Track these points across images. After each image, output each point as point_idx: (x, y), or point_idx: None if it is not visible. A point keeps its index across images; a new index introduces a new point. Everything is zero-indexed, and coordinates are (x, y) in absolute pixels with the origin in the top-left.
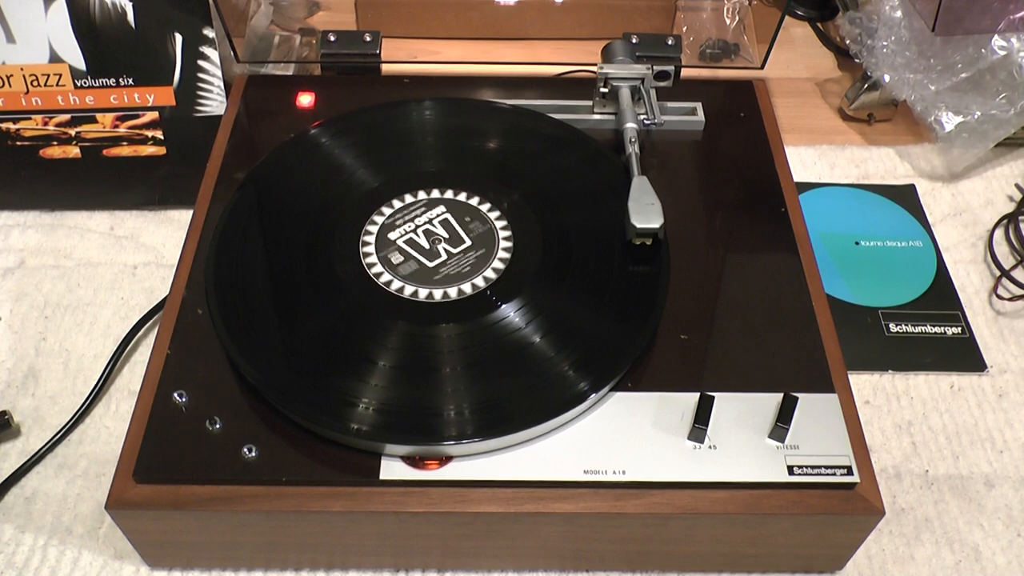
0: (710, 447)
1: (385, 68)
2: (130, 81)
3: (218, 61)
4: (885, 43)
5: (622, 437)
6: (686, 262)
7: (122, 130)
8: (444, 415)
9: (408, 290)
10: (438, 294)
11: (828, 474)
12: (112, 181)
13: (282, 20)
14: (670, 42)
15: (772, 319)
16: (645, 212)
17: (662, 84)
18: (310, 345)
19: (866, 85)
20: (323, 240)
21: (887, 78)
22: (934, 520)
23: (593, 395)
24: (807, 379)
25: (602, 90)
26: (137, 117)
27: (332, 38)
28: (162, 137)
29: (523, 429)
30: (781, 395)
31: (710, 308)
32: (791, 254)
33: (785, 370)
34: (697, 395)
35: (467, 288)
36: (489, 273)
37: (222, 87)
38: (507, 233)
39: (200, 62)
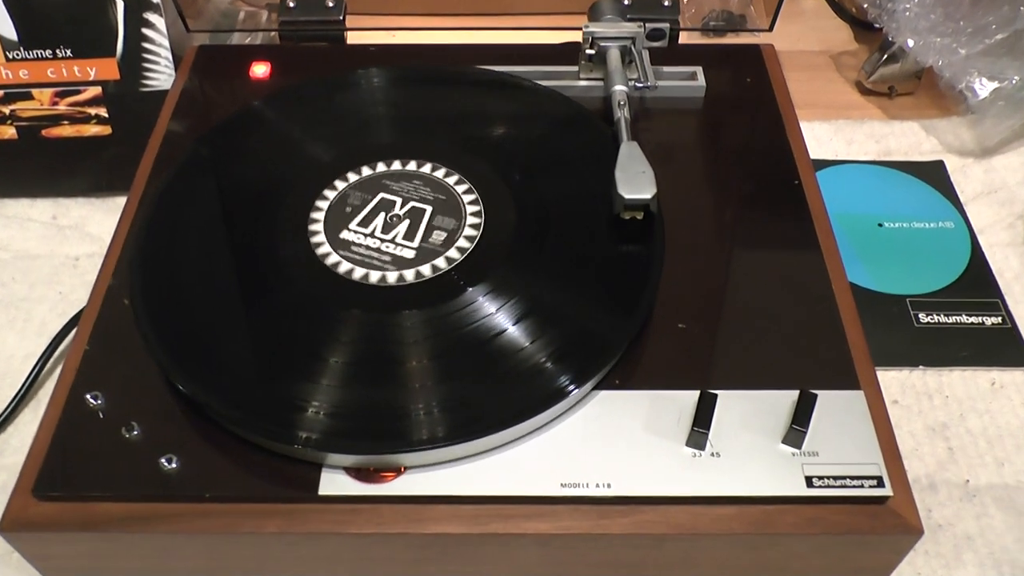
0: (712, 454)
1: (352, 38)
2: (68, 52)
3: (165, 30)
4: (907, 6)
5: (608, 443)
6: (684, 240)
7: (62, 108)
8: (395, 418)
9: (358, 273)
10: (392, 277)
11: (854, 486)
12: (54, 165)
13: None
14: (666, 2)
15: (785, 305)
16: (635, 181)
17: (656, 45)
18: (241, 337)
19: (885, 55)
20: (265, 220)
21: (911, 43)
22: (976, 538)
23: (574, 392)
24: (827, 374)
25: (588, 52)
26: (78, 93)
27: (291, 3)
28: (106, 115)
29: (490, 433)
30: (797, 392)
31: (712, 292)
32: (807, 231)
33: (801, 363)
34: (697, 393)
35: (426, 270)
36: (453, 253)
37: (171, 59)
38: (475, 208)
39: (145, 31)
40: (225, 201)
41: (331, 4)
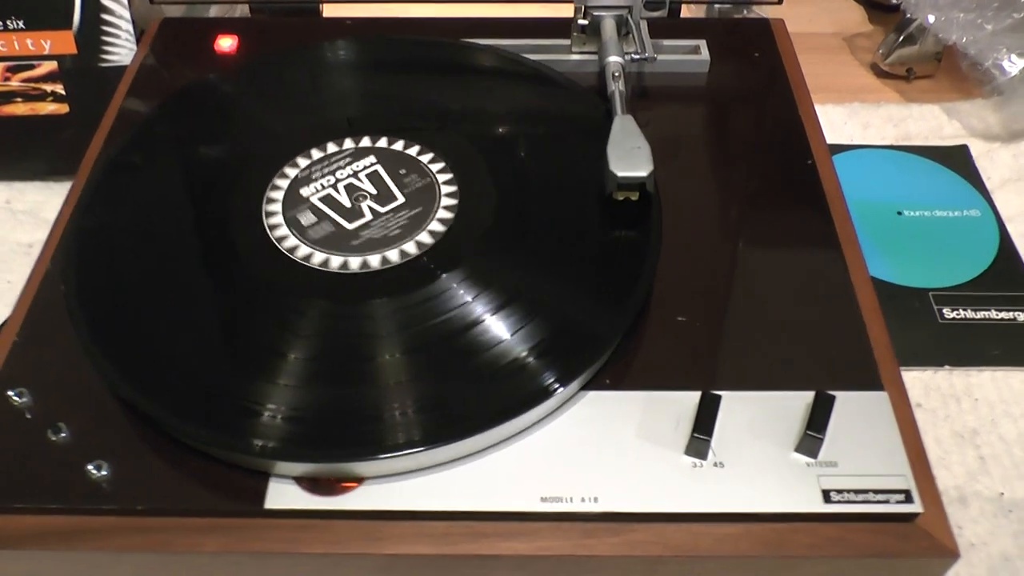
0: (715, 465)
1: (330, 11)
2: (20, 24)
3: (126, 1)
4: None
5: (596, 451)
6: (685, 224)
7: (15, 84)
8: (353, 421)
9: (317, 257)
10: (355, 263)
11: (878, 501)
12: (6, 146)
13: None
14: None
15: (798, 296)
16: (629, 158)
17: (655, 15)
18: (184, 329)
19: (902, 36)
20: (217, 202)
21: (931, 19)
22: (1016, 558)
23: (559, 393)
24: (846, 373)
25: (581, 22)
26: (32, 68)
27: None
28: (63, 92)
29: (462, 439)
30: (812, 394)
31: (716, 282)
32: (822, 215)
33: (816, 361)
34: (698, 394)
35: (394, 255)
36: (424, 237)
37: (132, 32)
38: (451, 189)
39: (105, 1)
40: (174, 183)
41: None
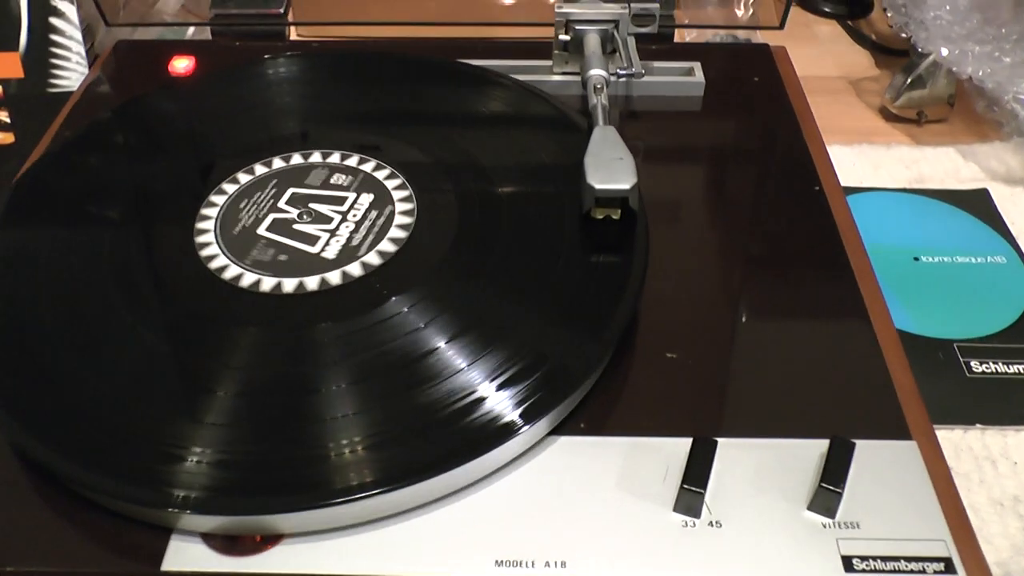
0: (711, 524)
1: (303, 34)
2: None
3: (78, 22)
4: (936, 13)
5: (566, 506)
6: (677, 251)
7: None
8: (271, 466)
9: (248, 279)
10: (290, 285)
11: (912, 571)
12: None
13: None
14: (658, 10)
15: (807, 332)
16: (609, 169)
17: (643, 30)
18: (70, 357)
19: (910, 79)
20: (133, 221)
21: (944, 51)
22: None
23: (521, 434)
24: (866, 419)
25: (563, 38)
26: None
27: None
28: (8, 120)
29: (403, 487)
30: (826, 442)
31: (712, 315)
32: (832, 244)
33: (831, 405)
34: (689, 441)
35: (334, 277)
36: (371, 257)
37: (84, 55)
38: (408, 207)
39: (54, 21)
40: (92, 204)
41: None
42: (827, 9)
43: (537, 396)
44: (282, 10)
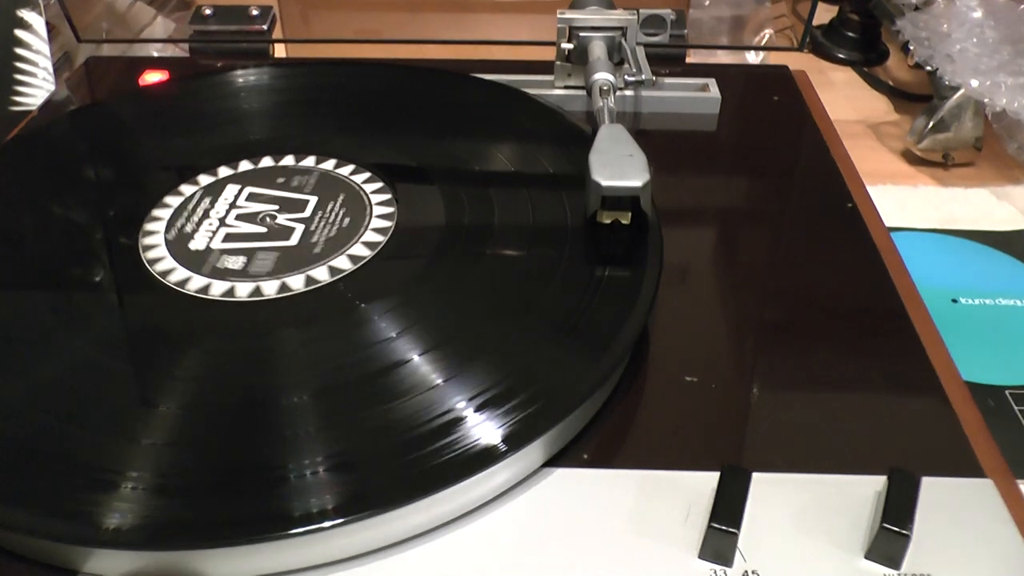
0: (747, 573)
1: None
2: None
3: (45, 35)
4: (962, 46)
5: (565, 551)
6: (693, 260)
7: None
8: (204, 497)
9: (197, 283)
10: (244, 290)
11: None
12: None
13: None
14: (671, 16)
15: (849, 354)
16: (618, 165)
17: (654, 40)
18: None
19: (931, 123)
20: (80, 226)
21: (975, 83)
22: None
23: (505, 458)
24: (927, 453)
25: (565, 46)
26: None
27: (207, 11)
28: None
29: (362, 519)
30: (882, 479)
31: (736, 334)
32: (871, 260)
33: (883, 437)
34: (715, 476)
35: (296, 282)
36: (341, 261)
37: (51, 71)
38: (387, 211)
39: (20, 34)
40: (35, 209)
41: (255, 12)
42: (841, 56)
43: (524, 419)
44: (265, 27)
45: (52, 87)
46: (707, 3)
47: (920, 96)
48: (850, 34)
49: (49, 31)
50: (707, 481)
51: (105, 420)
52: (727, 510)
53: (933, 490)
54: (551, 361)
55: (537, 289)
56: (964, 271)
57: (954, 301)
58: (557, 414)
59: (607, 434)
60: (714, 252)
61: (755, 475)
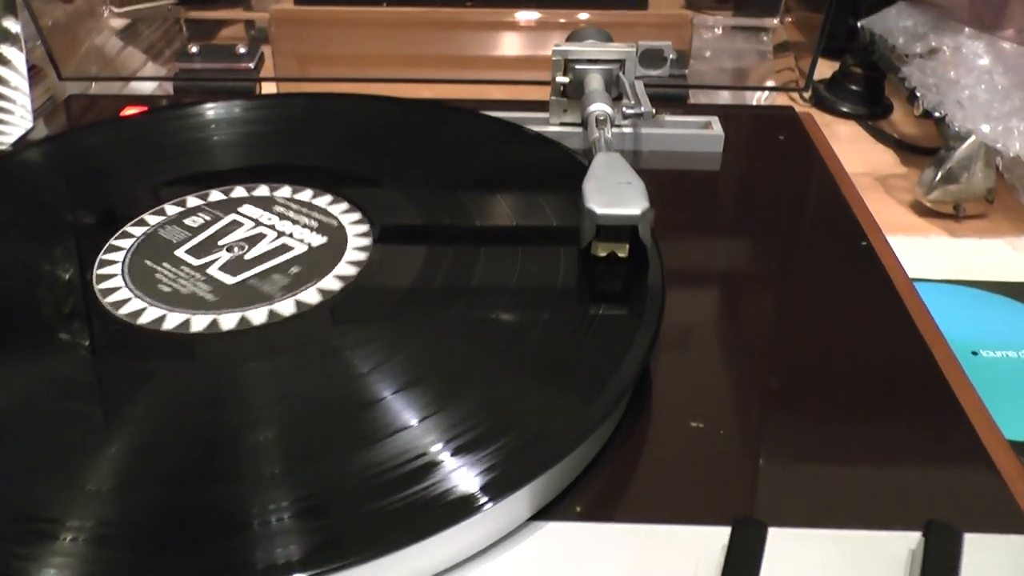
0: None
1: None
2: None
3: (24, 69)
4: (970, 93)
5: None
6: (698, 298)
7: None
8: (161, 547)
9: (151, 314)
10: (200, 323)
11: None
12: None
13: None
14: (670, 55)
15: (874, 400)
16: (615, 193)
17: (654, 73)
18: None
19: (939, 175)
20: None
21: (986, 129)
22: None
23: (485, 508)
24: (965, 507)
25: (561, 80)
26: None
27: (194, 49)
28: None
29: (324, 575)
30: (915, 535)
31: (745, 377)
32: (889, 298)
33: (913, 489)
34: (726, 530)
35: (257, 315)
36: (308, 295)
37: (29, 108)
38: (364, 243)
39: None
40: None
41: (243, 51)
42: (846, 109)
43: (507, 464)
44: (252, 65)
45: (29, 124)
46: (708, 54)
47: (927, 149)
48: (853, 87)
49: (35, 73)
50: (717, 537)
51: (42, 464)
52: (740, 569)
53: (975, 547)
54: (539, 402)
55: (526, 326)
56: (984, 323)
57: (974, 353)
58: (544, 460)
59: (604, 484)
60: (721, 291)
61: (771, 530)
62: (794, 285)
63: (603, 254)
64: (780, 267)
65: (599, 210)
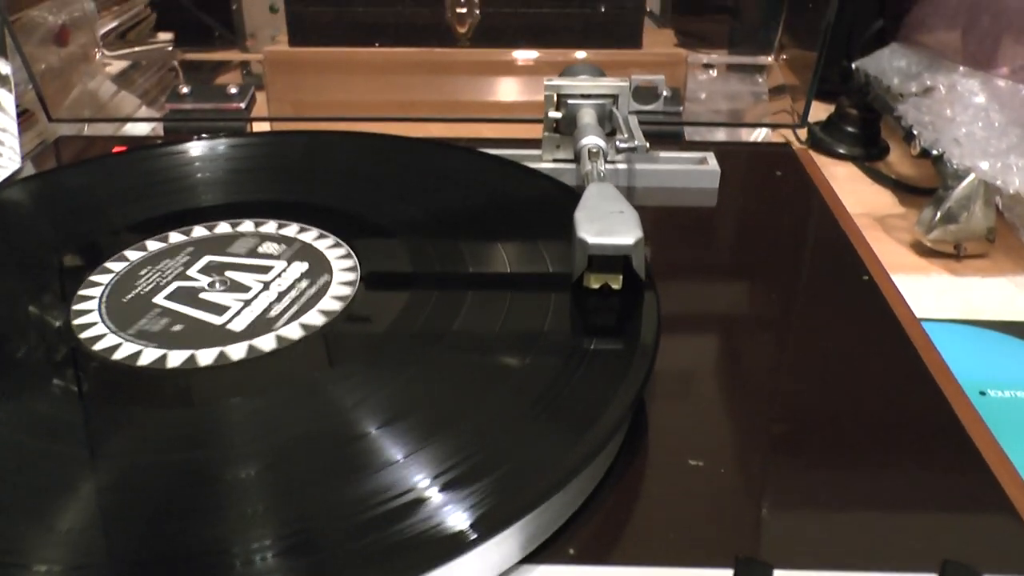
0: None
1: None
2: None
3: (13, 111)
4: (966, 130)
5: None
6: (695, 330)
7: None
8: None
9: (126, 350)
10: (176, 358)
11: None
12: None
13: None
14: (664, 93)
15: (884, 436)
16: (607, 222)
17: (647, 108)
18: None
19: (939, 212)
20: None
21: (984, 166)
22: None
23: (475, 547)
24: (982, 548)
25: (553, 115)
26: None
27: (184, 89)
28: None
29: None
30: None
31: (747, 413)
32: (892, 332)
33: (925, 529)
34: (729, 573)
35: (237, 351)
36: (290, 331)
37: (17, 149)
38: (350, 277)
39: None
40: None
41: (234, 91)
42: (842, 151)
43: (496, 502)
44: (244, 105)
45: (17, 165)
46: (703, 96)
47: (925, 189)
48: (849, 128)
49: (27, 118)
50: None
51: (15, 504)
52: None
53: None
54: (529, 438)
55: (516, 360)
56: (992, 362)
57: (982, 394)
58: (534, 497)
59: (598, 525)
60: (720, 326)
61: (777, 572)
62: (795, 320)
63: (596, 286)
64: (781, 302)
65: (591, 239)
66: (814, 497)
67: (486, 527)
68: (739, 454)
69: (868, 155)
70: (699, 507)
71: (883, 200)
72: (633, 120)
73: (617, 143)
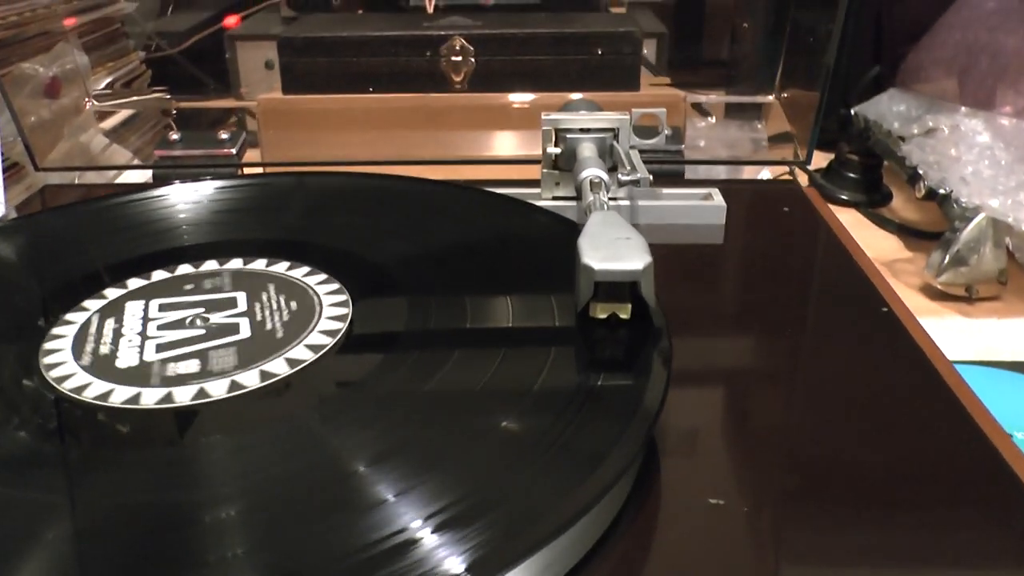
0: None
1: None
2: None
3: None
4: (975, 168)
5: None
6: (710, 363)
7: None
8: None
9: (97, 388)
10: (152, 396)
11: None
12: None
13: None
14: (666, 131)
15: (917, 471)
16: (613, 248)
17: (648, 143)
18: None
19: (948, 255)
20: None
21: (995, 203)
22: None
23: None
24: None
25: (552, 151)
26: None
27: (174, 136)
28: None
29: None
30: None
31: (774, 450)
32: (916, 361)
33: (973, 565)
34: None
35: (217, 387)
36: (275, 366)
37: (2, 196)
38: (340, 312)
39: None
40: None
41: (225, 136)
42: (844, 197)
43: (496, 544)
44: (235, 151)
45: (1, 212)
46: (702, 143)
47: (931, 234)
48: (851, 175)
49: (17, 171)
50: None
51: None
52: None
53: None
54: (532, 476)
55: (518, 395)
56: (1017, 405)
57: (1011, 436)
58: (538, 539)
59: (610, 570)
60: (736, 359)
61: None
62: (814, 355)
63: (603, 316)
64: (797, 337)
65: (597, 266)
66: (841, 528)
67: (485, 571)
68: (763, 491)
69: (871, 201)
70: (720, 549)
71: (889, 245)
72: (635, 153)
73: (619, 176)
